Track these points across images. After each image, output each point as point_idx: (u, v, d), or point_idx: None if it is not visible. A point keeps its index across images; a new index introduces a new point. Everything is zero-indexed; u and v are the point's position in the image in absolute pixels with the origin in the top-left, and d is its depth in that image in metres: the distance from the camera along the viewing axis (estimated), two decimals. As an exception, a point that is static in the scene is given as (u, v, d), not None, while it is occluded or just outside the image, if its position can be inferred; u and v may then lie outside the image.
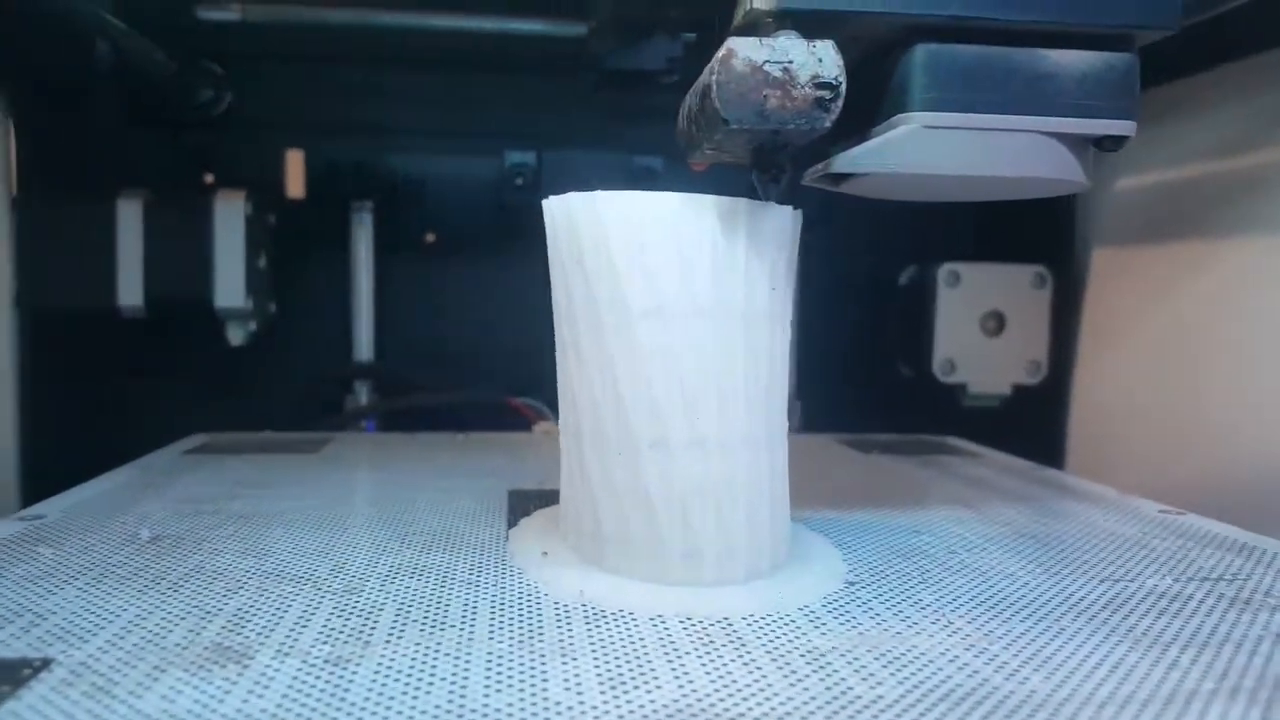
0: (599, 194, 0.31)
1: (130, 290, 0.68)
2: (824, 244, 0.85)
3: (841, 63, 0.30)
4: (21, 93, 0.67)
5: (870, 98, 0.34)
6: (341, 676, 0.24)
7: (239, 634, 0.27)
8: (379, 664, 0.25)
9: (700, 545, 0.31)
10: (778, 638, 0.28)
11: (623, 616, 0.29)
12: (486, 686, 0.24)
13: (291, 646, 0.26)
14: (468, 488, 0.48)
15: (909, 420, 0.77)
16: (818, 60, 0.29)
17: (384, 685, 0.24)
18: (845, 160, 0.33)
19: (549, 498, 0.44)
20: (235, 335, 0.73)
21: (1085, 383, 0.76)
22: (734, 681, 0.25)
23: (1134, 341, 0.70)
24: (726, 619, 0.29)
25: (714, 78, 0.29)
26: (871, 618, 0.30)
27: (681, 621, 0.29)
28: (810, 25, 0.31)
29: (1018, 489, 0.50)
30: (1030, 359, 0.77)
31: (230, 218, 0.70)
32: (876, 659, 0.26)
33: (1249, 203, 0.60)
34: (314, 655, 0.26)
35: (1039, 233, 0.80)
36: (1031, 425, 0.78)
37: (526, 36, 0.75)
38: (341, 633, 0.27)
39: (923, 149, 0.33)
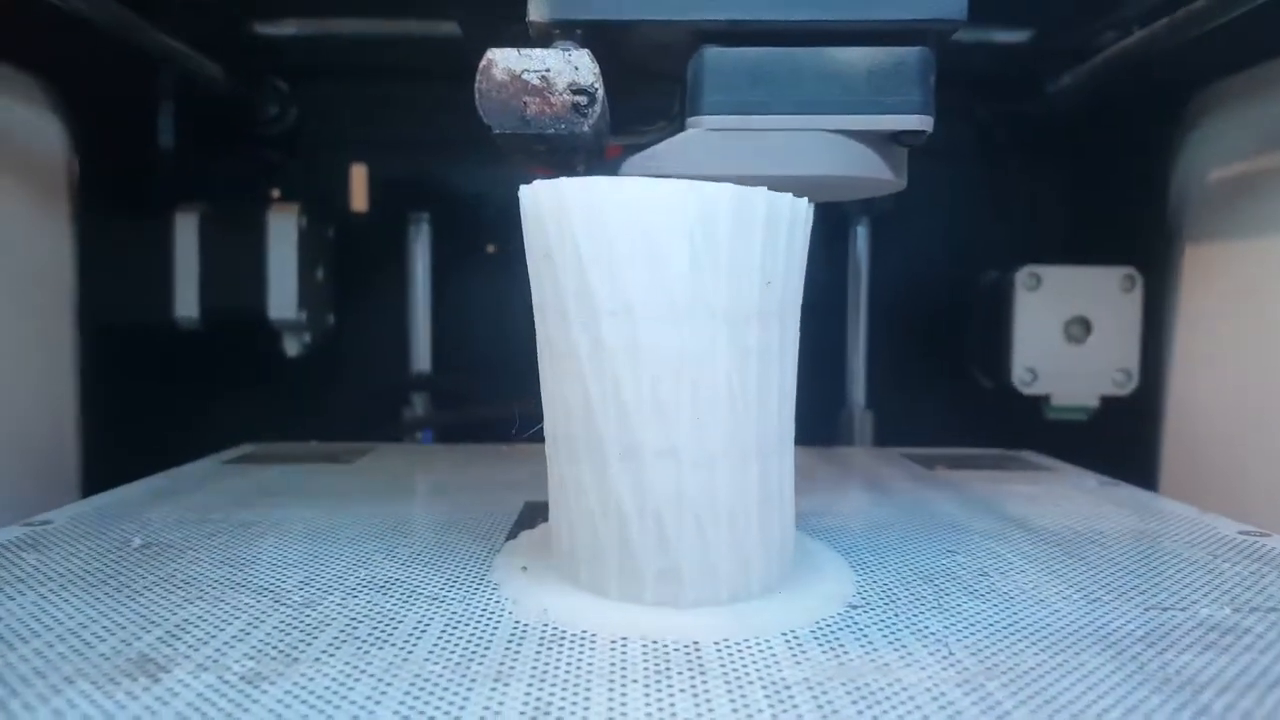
0: (565, 181, 0.29)
1: (186, 302, 0.70)
2: (899, 245, 0.81)
3: (597, 70, 0.30)
4: (83, 111, 0.69)
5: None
6: (247, 696, 0.22)
7: (170, 646, 0.26)
8: (294, 683, 0.23)
9: (677, 563, 0.29)
10: (743, 667, 0.25)
11: (583, 639, 0.27)
12: (395, 714, 0.22)
13: (215, 661, 0.25)
14: (486, 499, 0.46)
15: (988, 434, 0.72)
16: (574, 68, 0.30)
17: (287, 707, 0.22)
18: (631, 165, 0.33)
19: None
20: (291, 346, 0.73)
21: (1181, 393, 0.69)
22: (672, 717, 0.22)
23: (1234, 347, 0.64)
24: (696, 643, 0.26)
25: (476, 86, 0.31)
26: (862, 646, 0.26)
27: (644, 646, 0.26)
28: (597, 38, 0.32)
29: (1082, 506, 0.46)
30: (1120, 368, 0.71)
31: (284, 230, 0.71)
32: (848, 694, 0.23)
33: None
34: (232, 672, 0.24)
35: (1128, 231, 0.74)
36: (1122, 440, 0.72)
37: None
38: (274, 649, 0.26)
39: (711, 152, 0.33)
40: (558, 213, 0.29)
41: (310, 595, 0.30)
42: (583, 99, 0.30)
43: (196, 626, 0.27)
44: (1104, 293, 0.71)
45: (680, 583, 0.29)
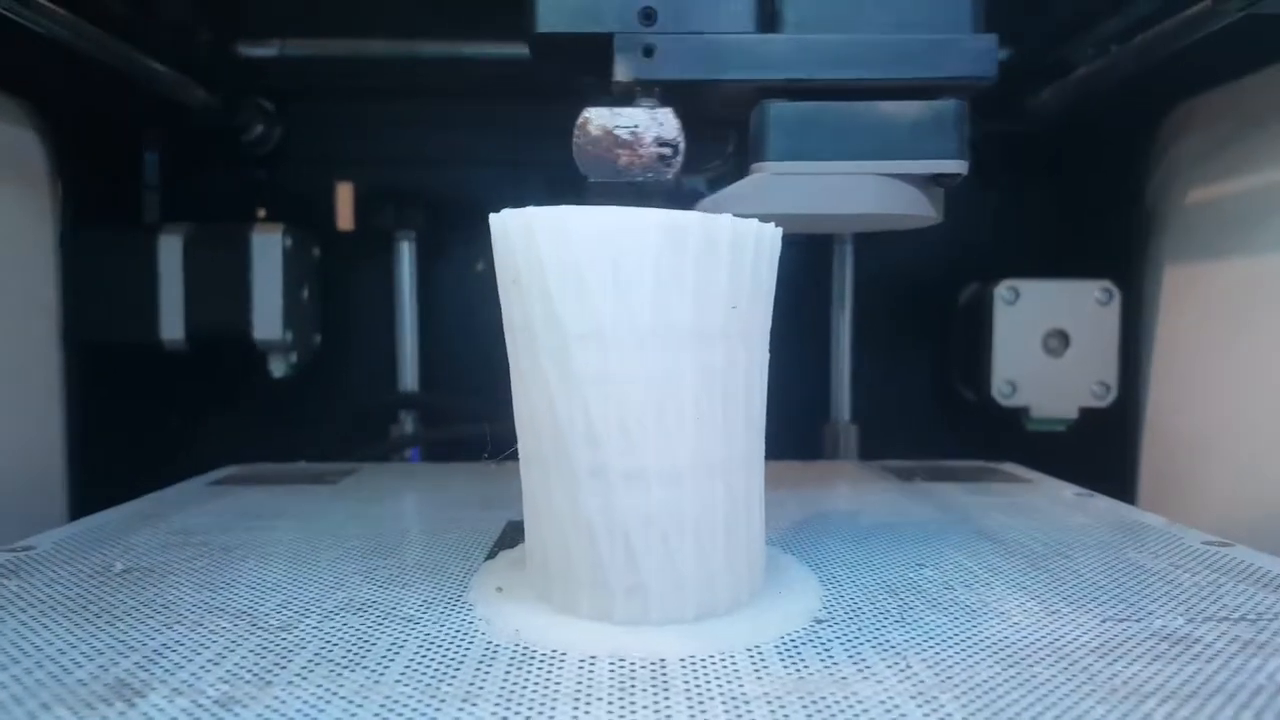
0: (532, 210, 0.30)
1: (172, 324, 0.70)
2: (882, 260, 0.82)
3: (679, 125, 0.37)
4: (66, 132, 0.70)
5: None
6: None
7: (147, 671, 0.26)
8: (266, 707, 0.24)
9: (645, 581, 0.29)
10: (705, 683, 0.25)
11: (552, 657, 0.27)
12: (363, 734, 0.22)
13: (189, 686, 0.25)
14: (468, 518, 0.47)
15: (971, 446, 0.73)
16: (660, 124, 0.36)
17: (258, 730, 0.22)
18: (709, 204, 0.40)
19: None
20: (277, 367, 0.74)
21: (1158, 406, 0.70)
22: (632, 733, 0.22)
23: (1210, 360, 0.65)
24: (662, 660, 0.27)
25: (574, 141, 0.36)
26: (822, 660, 0.27)
27: (612, 664, 0.27)
28: (673, 92, 0.38)
29: (1055, 519, 0.46)
30: (1098, 380, 0.72)
31: (268, 251, 0.71)
32: (805, 708, 0.24)
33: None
34: (206, 695, 0.24)
35: (1106, 247, 0.75)
36: (1101, 451, 0.73)
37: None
38: (249, 672, 0.26)
39: (775, 193, 0.39)
40: (526, 240, 0.30)
41: (287, 618, 0.31)
42: (668, 151, 0.36)
43: (174, 651, 0.28)
44: (1082, 306, 0.72)
45: (648, 600, 0.29)
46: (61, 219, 0.68)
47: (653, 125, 0.36)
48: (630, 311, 0.29)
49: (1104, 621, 0.30)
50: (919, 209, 0.40)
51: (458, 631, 0.30)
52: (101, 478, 0.70)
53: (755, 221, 0.31)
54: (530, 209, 0.30)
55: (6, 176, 0.65)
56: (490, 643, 0.29)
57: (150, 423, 0.76)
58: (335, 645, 0.28)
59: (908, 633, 0.29)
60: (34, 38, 0.53)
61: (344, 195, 0.82)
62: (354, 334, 0.81)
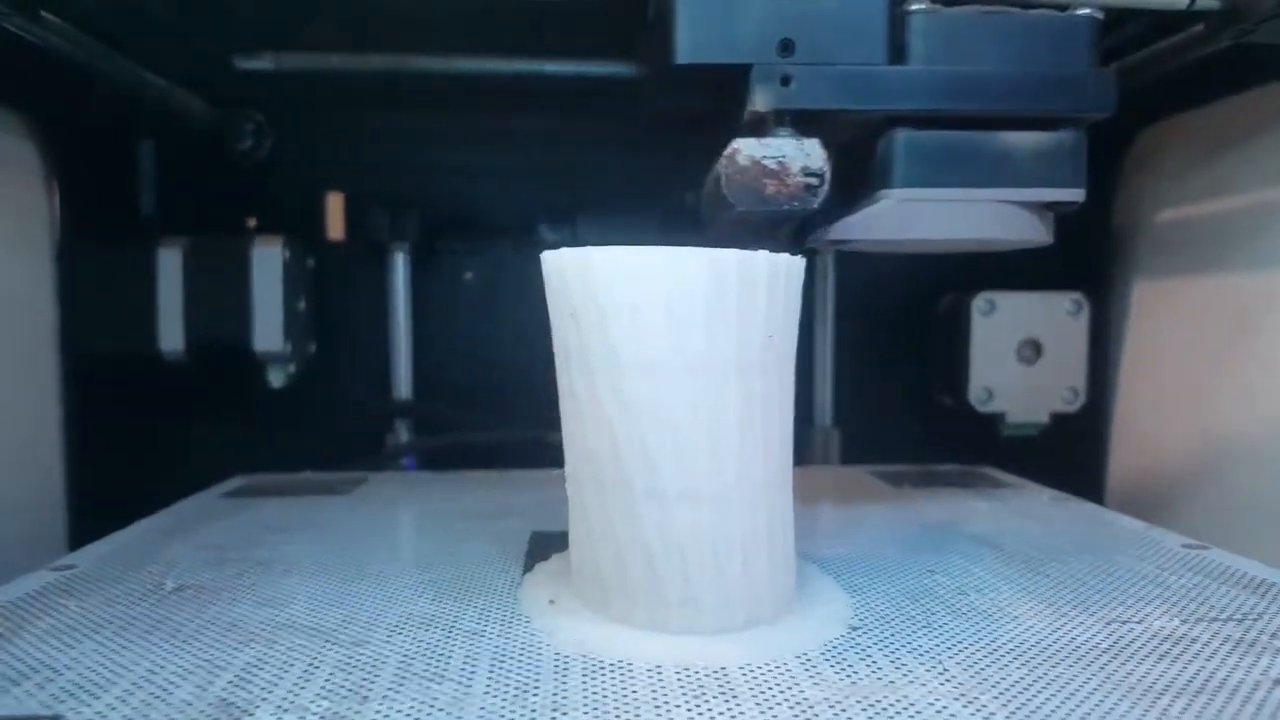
0: (590, 250, 0.32)
1: (171, 336, 0.71)
2: (861, 272, 0.85)
3: (826, 155, 0.38)
4: (64, 145, 0.70)
5: (863, 172, 0.41)
6: (334, 733, 0.25)
7: (244, 689, 0.28)
8: None
9: (698, 594, 0.32)
10: (769, 689, 0.28)
11: (620, 667, 0.30)
12: (472, 743, 0.24)
13: (292, 702, 0.27)
14: (491, 530, 0.49)
15: (949, 449, 0.76)
16: (806, 154, 0.37)
17: (373, 742, 0.24)
18: (839, 229, 0.41)
19: None
20: (276, 378, 0.75)
21: (1125, 411, 0.74)
22: (717, 737, 0.25)
23: (1175, 370, 0.69)
24: (723, 669, 0.29)
25: (722, 171, 0.37)
26: (868, 666, 0.30)
27: (678, 672, 0.29)
28: (803, 120, 0.39)
29: (1042, 524, 0.50)
30: (1068, 386, 0.76)
31: (268, 263, 0.72)
32: (865, 710, 0.26)
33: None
34: (311, 712, 0.26)
35: (1076, 261, 0.79)
36: (1071, 453, 0.77)
37: (564, 77, 0.77)
38: (342, 687, 0.28)
39: (902, 219, 0.40)
40: (583, 278, 0.32)
41: (357, 633, 0.33)
42: (814, 180, 0.37)
43: (262, 669, 0.30)
44: (1053, 317, 0.76)
45: (701, 611, 0.32)
46: (60, 230, 0.68)
47: (800, 155, 0.37)
48: (683, 343, 0.31)
49: (1109, 624, 0.34)
50: (1036, 235, 0.42)
51: (524, 644, 0.32)
52: (100, 487, 0.71)
53: (785, 256, 0.34)
54: (586, 249, 0.32)
55: (4, 188, 0.65)
56: (558, 654, 0.31)
57: (146, 431, 0.77)
58: (414, 659, 0.30)
59: (936, 638, 0.32)
60: (31, 50, 0.53)
61: (334, 205, 0.83)
62: (346, 342, 0.82)
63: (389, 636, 0.33)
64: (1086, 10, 0.40)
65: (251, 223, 0.81)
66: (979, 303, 0.76)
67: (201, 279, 0.71)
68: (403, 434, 0.80)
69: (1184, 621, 0.34)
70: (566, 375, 0.34)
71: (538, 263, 0.69)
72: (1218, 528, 0.62)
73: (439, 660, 0.30)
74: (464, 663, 0.30)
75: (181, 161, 0.79)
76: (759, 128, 0.39)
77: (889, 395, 0.85)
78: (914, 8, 0.40)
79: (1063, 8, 0.40)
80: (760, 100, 0.39)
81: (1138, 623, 0.34)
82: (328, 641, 0.32)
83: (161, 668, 0.30)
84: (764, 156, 0.37)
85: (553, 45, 0.76)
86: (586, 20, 0.70)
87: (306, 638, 0.32)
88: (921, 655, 0.31)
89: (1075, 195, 0.41)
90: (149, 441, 0.76)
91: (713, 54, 0.39)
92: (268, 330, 0.72)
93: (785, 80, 0.39)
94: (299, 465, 0.70)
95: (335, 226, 0.83)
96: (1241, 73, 0.60)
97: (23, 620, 0.34)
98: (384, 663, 0.30)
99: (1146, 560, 0.42)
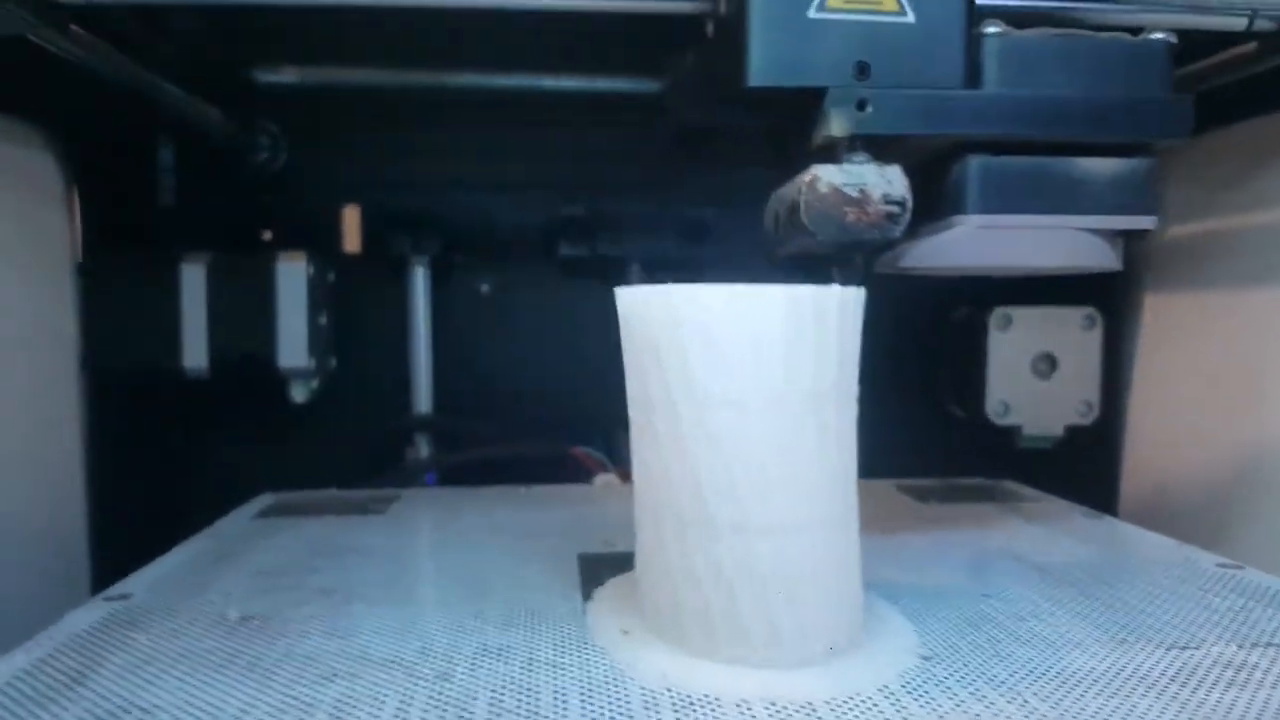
0: (673, 289, 0.32)
1: (195, 352, 0.71)
2: (874, 284, 0.85)
3: (908, 183, 0.37)
4: (84, 157, 0.70)
5: (930, 195, 0.40)
6: (447, 775, 0.25)
7: (342, 727, 0.28)
8: (481, 760, 0.26)
9: (779, 627, 0.32)
10: (861, 724, 0.28)
11: (709, 701, 0.30)
12: (587, 785, 0.25)
13: (395, 741, 0.27)
14: (535, 551, 0.49)
15: (964, 460, 0.77)
16: (888, 182, 0.36)
17: (489, 784, 0.25)
18: (914, 256, 0.40)
19: (620, 562, 0.44)
20: (299, 393, 0.74)
21: (1138, 423, 0.76)
22: (826, 776, 0.25)
23: (1187, 383, 0.70)
24: (810, 703, 0.30)
25: (802, 198, 0.36)
26: (949, 697, 0.30)
27: (766, 707, 0.30)
28: (878, 144, 0.38)
29: (1078, 543, 0.51)
30: (1082, 399, 0.77)
31: (292, 279, 0.72)
32: (962, 748, 0.27)
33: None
34: (418, 751, 0.27)
35: (1089, 275, 0.80)
36: (1085, 465, 0.78)
37: (584, 93, 0.77)
38: (440, 724, 0.28)
39: (977, 246, 0.40)
40: (667, 317, 0.32)
41: (439, 666, 0.33)
42: (896, 209, 0.36)
43: (355, 706, 0.30)
44: (1067, 331, 0.77)
45: (782, 644, 0.32)
46: (82, 244, 0.68)
47: (881, 183, 0.36)
48: (764, 378, 0.32)
49: (1169, 650, 0.34)
50: (1108, 261, 0.41)
51: (607, 677, 0.32)
52: (122, 503, 0.70)
53: (853, 289, 0.35)
54: (671, 287, 0.33)
55: (26, 204, 0.65)
56: (643, 688, 0.31)
57: (168, 446, 0.76)
58: (504, 694, 0.31)
59: (1007, 667, 0.33)
60: (51, 63, 0.53)
61: (350, 218, 0.83)
62: (365, 356, 0.82)
63: (472, 669, 0.33)
64: (1161, 35, 0.40)
65: (266, 235, 0.81)
66: (995, 317, 0.77)
67: (225, 295, 0.71)
68: (423, 448, 0.80)
69: (1240, 647, 0.35)
70: (645, 412, 0.34)
71: (555, 275, 0.71)
72: (1227, 540, 0.63)
73: (529, 695, 0.31)
74: (553, 697, 0.30)
75: (199, 173, 0.79)
76: (831, 151, 0.39)
77: (902, 406, 0.86)
78: (989, 30, 0.39)
79: (1135, 31, 0.40)
80: (836, 125, 0.38)
81: (1195, 649, 0.34)
82: (410, 676, 0.32)
83: (253, 706, 0.30)
84: (845, 184, 0.36)
85: (574, 62, 0.76)
86: (607, 38, 0.71)
87: (388, 671, 0.33)
88: (997, 685, 0.31)
89: (1148, 223, 0.41)
90: (171, 457, 0.76)
91: (788, 76, 0.38)
92: (292, 346, 0.72)
93: (861, 105, 0.38)
94: (322, 480, 0.70)
95: (352, 240, 0.83)
96: (1268, 96, 0.61)
97: (97, 655, 0.34)
98: (475, 699, 0.30)
99: (1188, 582, 0.43)
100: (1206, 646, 0.35)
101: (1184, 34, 0.49)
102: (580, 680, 0.32)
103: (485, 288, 0.84)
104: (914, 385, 0.86)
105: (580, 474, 0.75)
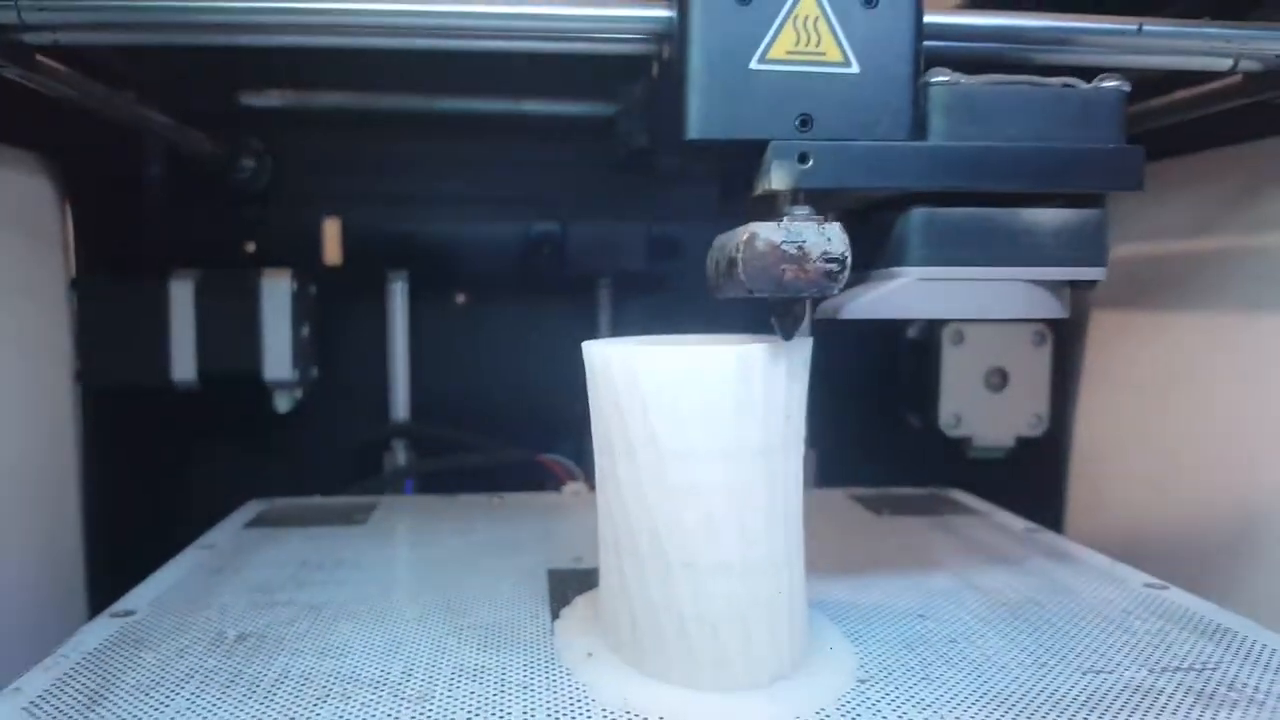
0: (632, 349, 0.36)
1: (184, 366, 0.73)
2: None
3: (847, 240, 0.35)
4: (77, 180, 0.72)
5: (873, 243, 0.40)
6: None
7: (336, 748, 0.32)
8: (460, 780, 0.30)
9: (729, 655, 0.36)
10: (797, 746, 0.32)
11: (661, 723, 0.34)
12: (553, 803, 0.28)
13: (383, 762, 0.31)
14: (508, 568, 0.52)
15: (919, 468, 0.81)
16: (827, 240, 0.35)
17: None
18: (854, 309, 0.40)
19: (586, 579, 0.48)
20: (282, 403, 0.77)
21: (1084, 433, 0.80)
22: (761, 795, 0.29)
23: (1130, 396, 0.75)
24: (755, 726, 0.34)
25: (739, 254, 0.35)
26: (879, 720, 0.34)
27: (714, 728, 0.33)
28: (820, 193, 0.37)
29: (1015, 563, 0.54)
30: (1032, 412, 0.82)
31: (277, 295, 0.75)
32: (883, 768, 0.31)
33: (1239, 268, 0.64)
34: (403, 771, 0.30)
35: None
36: (1034, 472, 0.82)
37: (549, 115, 0.80)
38: (423, 745, 0.32)
39: (919, 297, 0.40)
40: (626, 375, 0.36)
41: (420, 687, 0.37)
42: (834, 266, 0.35)
43: (346, 726, 0.33)
44: (1018, 346, 0.81)
45: (732, 670, 0.36)
46: (75, 265, 0.70)
47: (820, 241, 0.35)
48: (716, 431, 0.35)
49: (1085, 674, 0.38)
50: (1055, 311, 0.41)
51: (572, 698, 0.36)
52: (116, 510, 0.73)
53: (800, 340, 0.38)
54: (629, 347, 0.36)
55: (21, 225, 0.67)
56: (605, 709, 0.35)
57: (158, 454, 0.79)
58: (478, 715, 0.34)
59: (935, 690, 0.37)
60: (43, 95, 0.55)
61: (331, 230, 0.86)
62: (345, 364, 0.85)
63: (449, 690, 0.36)
64: (1114, 83, 0.39)
65: (250, 247, 0.84)
66: (949, 333, 0.81)
67: (212, 311, 0.74)
68: (400, 455, 0.83)
69: (1150, 671, 0.39)
70: (609, 458, 0.38)
71: (530, 288, 0.73)
72: (1165, 538, 0.68)
73: (501, 716, 0.34)
74: (522, 717, 0.34)
75: (186, 190, 0.82)
76: (772, 201, 0.38)
77: (859, 417, 0.90)
78: (935, 80, 0.39)
79: (1090, 75, 0.39)
80: (777, 179, 0.37)
81: (1109, 673, 0.38)
82: (396, 697, 0.36)
83: (260, 727, 0.33)
84: (783, 242, 0.35)
85: (543, 86, 0.79)
86: (573, 65, 0.74)
87: (375, 693, 0.36)
88: (925, 709, 0.35)
89: (1097, 274, 0.40)
90: (162, 464, 0.79)
91: (728, 129, 0.38)
92: (277, 359, 0.75)
93: (803, 158, 0.37)
94: (307, 485, 0.73)
95: (333, 251, 0.86)
96: (1232, 127, 0.64)
97: (111, 675, 0.38)
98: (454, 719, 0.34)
99: (1114, 602, 0.47)
100: (1120, 671, 0.39)
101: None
102: (547, 702, 0.35)
103: (461, 298, 0.87)
104: (873, 395, 0.90)
105: (550, 479, 0.78)
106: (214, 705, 0.35)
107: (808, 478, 0.86)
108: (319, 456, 0.82)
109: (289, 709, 0.35)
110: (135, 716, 0.34)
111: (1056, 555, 0.56)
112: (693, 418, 0.35)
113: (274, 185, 0.84)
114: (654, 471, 0.36)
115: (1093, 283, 0.40)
